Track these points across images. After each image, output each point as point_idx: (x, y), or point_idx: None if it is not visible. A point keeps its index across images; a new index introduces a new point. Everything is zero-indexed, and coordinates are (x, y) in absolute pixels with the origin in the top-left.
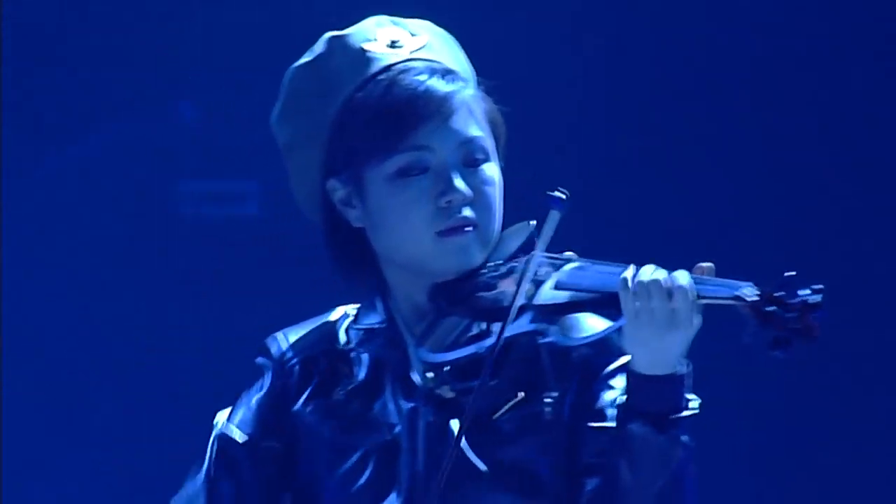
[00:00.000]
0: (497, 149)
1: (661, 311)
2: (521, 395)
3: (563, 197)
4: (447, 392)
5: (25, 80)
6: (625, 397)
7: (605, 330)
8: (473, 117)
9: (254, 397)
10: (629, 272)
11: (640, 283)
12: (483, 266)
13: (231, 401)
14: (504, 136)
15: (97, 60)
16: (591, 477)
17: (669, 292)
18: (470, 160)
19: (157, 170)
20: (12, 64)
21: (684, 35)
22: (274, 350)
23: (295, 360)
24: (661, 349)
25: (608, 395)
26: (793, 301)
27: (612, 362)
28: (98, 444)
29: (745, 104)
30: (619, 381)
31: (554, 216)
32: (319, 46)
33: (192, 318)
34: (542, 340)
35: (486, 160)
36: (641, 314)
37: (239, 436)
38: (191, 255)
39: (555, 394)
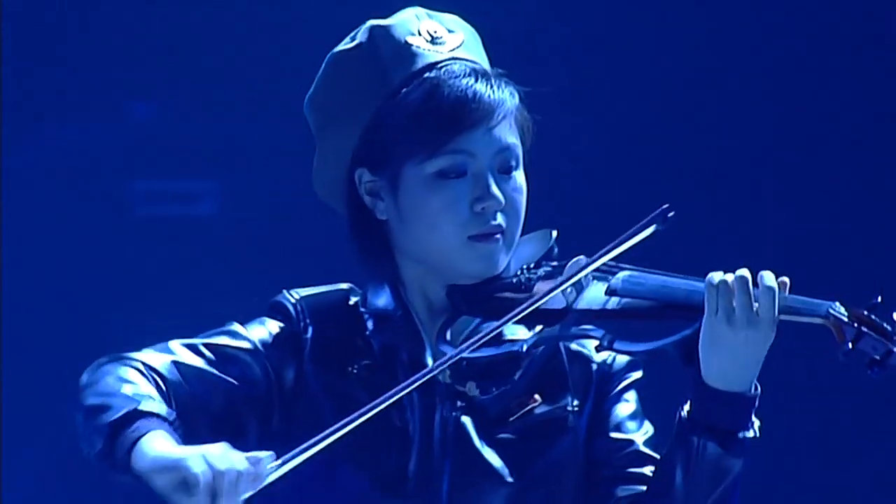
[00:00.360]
0: (522, 155)
1: (743, 310)
2: (538, 398)
3: (669, 214)
4: (472, 389)
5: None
6: (687, 408)
7: (669, 340)
8: (511, 125)
9: (271, 327)
10: (716, 273)
11: (724, 281)
12: (505, 270)
13: None
14: (530, 142)
15: (51, 60)
16: (624, 485)
17: (755, 294)
18: (505, 167)
19: (113, 170)
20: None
21: (683, 36)
22: (291, 306)
23: (308, 321)
24: (736, 355)
25: (625, 408)
26: (888, 325)
27: (628, 377)
28: (44, 443)
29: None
30: (632, 395)
31: (648, 229)
32: (362, 34)
33: (147, 318)
34: (579, 347)
35: (517, 167)
36: (722, 312)
37: (252, 339)
38: (146, 254)
39: (576, 402)
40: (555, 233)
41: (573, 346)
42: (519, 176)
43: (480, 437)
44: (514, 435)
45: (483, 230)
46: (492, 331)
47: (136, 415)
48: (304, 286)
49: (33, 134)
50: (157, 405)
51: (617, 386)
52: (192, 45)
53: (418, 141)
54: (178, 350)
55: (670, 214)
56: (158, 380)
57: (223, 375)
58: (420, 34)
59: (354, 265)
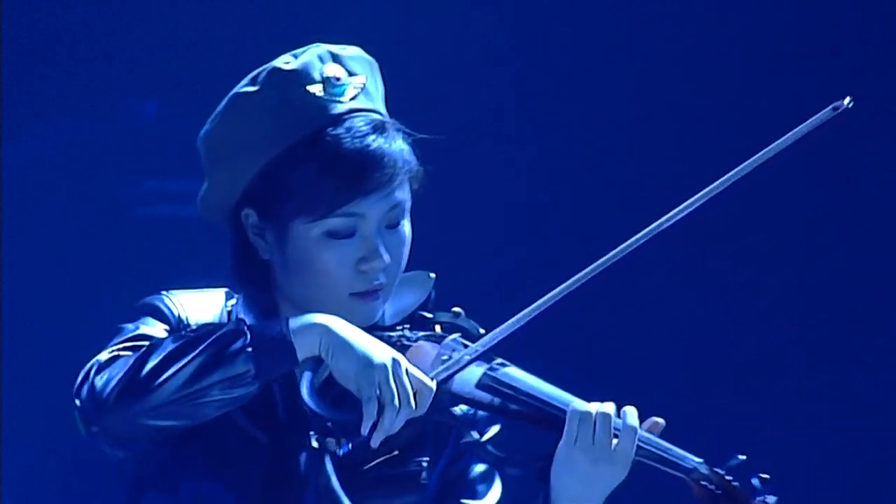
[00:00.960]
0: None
1: (602, 444)
2: (396, 452)
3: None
4: (332, 445)
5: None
6: None
7: (527, 454)
8: (403, 183)
9: (157, 329)
10: (579, 402)
11: (587, 412)
12: (381, 318)
13: None
14: (418, 185)
15: (55, 57)
16: None
17: (616, 429)
18: (393, 223)
19: (116, 169)
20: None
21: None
22: (171, 309)
23: (187, 321)
24: (589, 484)
25: (478, 469)
26: (746, 494)
27: (486, 430)
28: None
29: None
30: (489, 456)
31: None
32: (262, 78)
33: None
34: (461, 439)
35: (403, 218)
36: (581, 442)
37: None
38: (151, 254)
39: (426, 458)
40: (432, 275)
41: (465, 438)
42: (405, 227)
43: (340, 483)
44: (368, 485)
45: (366, 288)
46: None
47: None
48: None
49: (33, 131)
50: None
51: (472, 446)
52: (194, 42)
53: (311, 201)
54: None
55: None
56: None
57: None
58: (321, 80)
59: None
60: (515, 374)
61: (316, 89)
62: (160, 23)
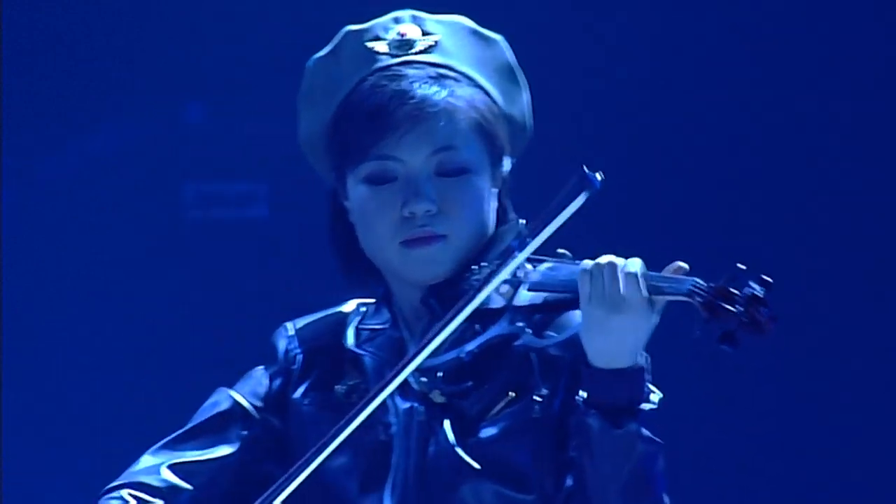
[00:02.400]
0: (496, 155)
1: (612, 294)
2: (512, 394)
3: (599, 178)
4: (438, 396)
5: (28, 79)
6: (582, 392)
7: (569, 331)
8: (454, 126)
9: (261, 376)
10: (588, 261)
11: (596, 264)
12: (473, 267)
13: None
14: (509, 142)
15: (103, 60)
16: (570, 473)
17: (620, 278)
18: (444, 170)
19: (165, 172)
20: (14, 63)
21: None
22: (282, 336)
23: (298, 350)
24: (612, 336)
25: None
26: (740, 295)
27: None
28: (108, 448)
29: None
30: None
31: (579, 197)
32: (336, 39)
33: (200, 320)
34: (516, 343)
35: (465, 171)
36: (593, 298)
37: (244, 402)
38: (199, 257)
39: (544, 392)
40: (523, 221)
41: (523, 341)
42: (467, 179)
43: (458, 438)
44: (487, 435)
45: (412, 234)
46: (434, 334)
47: None
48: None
49: (86, 135)
50: None
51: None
52: (246, 45)
53: (346, 146)
54: (171, 452)
55: (599, 177)
56: (155, 502)
57: (221, 454)
58: (386, 38)
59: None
60: (553, 266)
61: (378, 45)
62: (210, 25)
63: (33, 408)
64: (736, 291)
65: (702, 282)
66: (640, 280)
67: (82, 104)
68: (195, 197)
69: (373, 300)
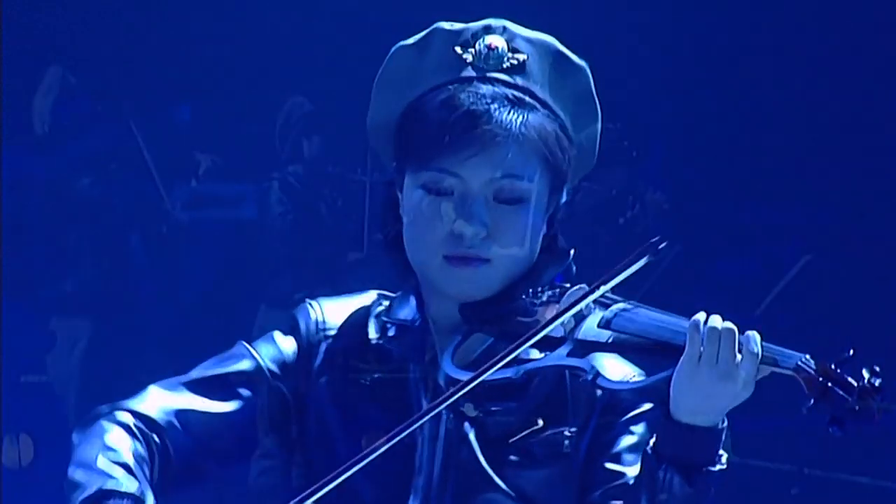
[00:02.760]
0: (557, 186)
1: (726, 361)
2: (540, 422)
3: (661, 245)
4: (471, 410)
5: (23, 81)
6: (654, 441)
7: (653, 378)
8: (521, 155)
9: (280, 342)
10: (701, 315)
11: (713, 328)
12: (521, 290)
13: None
14: (573, 172)
15: (94, 63)
16: None
17: (739, 347)
18: (502, 197)
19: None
20: (10, 65)
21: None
22: (305, 313)
23: (321, 336)
24: (710, 399)
25: (627, 440)
26: (854, 381)
27: (635, 408)
28: None
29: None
30: (640, 428)
31: (640, 260)
32: (424, 33)
33: (193, 318)
34: (581, 378)
35: (522, 200)
36: (704, 361)
37: (263, 364)
38: (188, 257)
39: (574, 428)
40: (573, 251)
41: (589, 377)
42: (521, 209)
43: (483, 455)
44: (513, 457)
45: (457, 253)
46: (500, 358)
47: (106, 494)
48: (347, 287)
49: (76, 137)
50: (126, 482)
51: (621, 417)
52: (237, 49)
53: (411, 150)
54: (178, 394)
55: (661, 246)
56: (152, 435)
57: (227, 410)
58: (475, 46)
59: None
60: (630, 309)
61: (465, 52)
62: (201, 28)
63: (30, 405)
64: (851, 380)
65: (809, 358)
66: (759, 359)
67: (73, 107)
68: (184, 198)
69: (393, 294)
